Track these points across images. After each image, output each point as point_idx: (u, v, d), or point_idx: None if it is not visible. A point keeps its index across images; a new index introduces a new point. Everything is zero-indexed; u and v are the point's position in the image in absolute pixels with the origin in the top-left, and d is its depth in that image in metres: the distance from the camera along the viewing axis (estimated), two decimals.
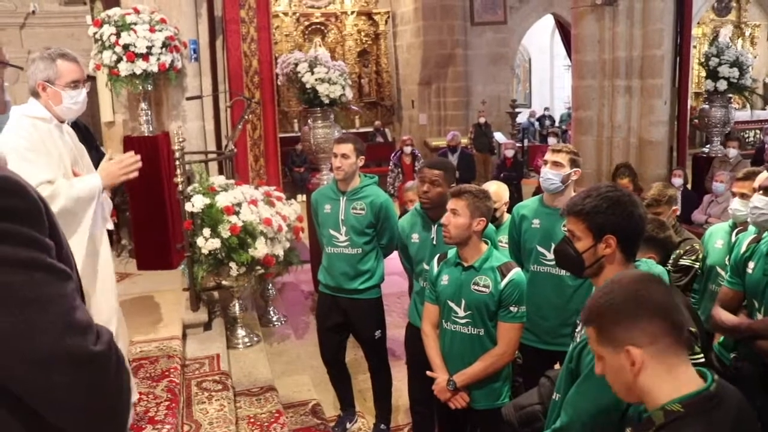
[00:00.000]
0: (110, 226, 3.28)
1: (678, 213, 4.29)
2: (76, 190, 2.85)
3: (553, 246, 3.40)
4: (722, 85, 8.52)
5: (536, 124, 17.66)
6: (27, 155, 2.72)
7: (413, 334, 3.76)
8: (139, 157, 3.06)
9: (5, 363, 1.11)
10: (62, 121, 2.95)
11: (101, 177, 2.96)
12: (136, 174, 3.07)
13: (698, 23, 15.07)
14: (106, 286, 3.04)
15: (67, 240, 1.31)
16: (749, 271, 2.97)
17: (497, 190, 4.20)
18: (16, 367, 1.12)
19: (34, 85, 2.85)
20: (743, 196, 3.71)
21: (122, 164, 3.01)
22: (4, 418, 1.17)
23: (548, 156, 3.55)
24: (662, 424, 1.49)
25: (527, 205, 3.76)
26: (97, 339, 1.19)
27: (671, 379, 1.51)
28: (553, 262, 3.42)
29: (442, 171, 3.56)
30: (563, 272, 3.43)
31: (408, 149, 10.37)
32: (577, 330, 2.22)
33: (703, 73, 9.73)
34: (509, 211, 4.13)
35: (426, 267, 3.64)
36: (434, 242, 3.66)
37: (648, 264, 2.18)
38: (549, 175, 3.50)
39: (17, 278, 1.10)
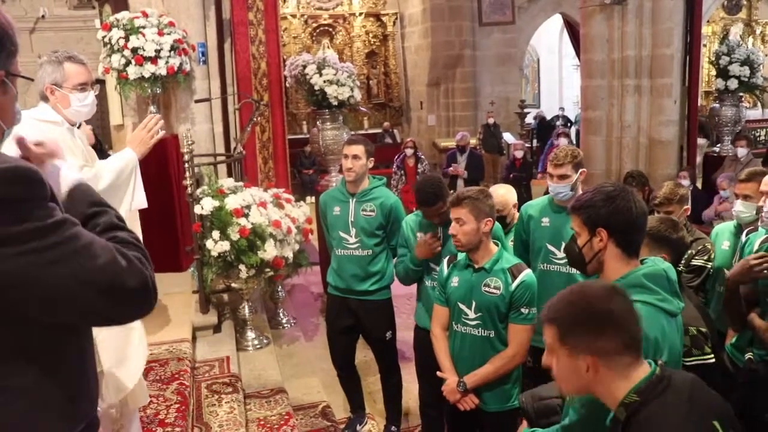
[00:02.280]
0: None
1: (689, 213, 4.25)
2: (115, 165, 2.90)
3: (563, 244, 3.42)
4: (733, 83, 8.46)
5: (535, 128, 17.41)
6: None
7: (422, 337, 3.75)
8: (159, 116, 3.09)
9: (82, 301, 1.29)
10: (73, 125, 2.96)
11: (132, 148, 3.00)
12: (164, 132, 3.12)
13: (708, 21, 14.96)
14: None
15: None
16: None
17: (505, 195, 4.16)
18: (93, 300, 1.30)
19: (42, 89, 2.85)
20: (746, 197, 3.70)
21: (147, 128, 3.04)
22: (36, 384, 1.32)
23: (552, 170, 3.52)
24: (626, 418, 1.62)
25: (536, 204, 3.76)
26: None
27: (624, 380, 1.65)
28: (563, 261, 3.46)
29: (441, 202, 3.51)
30: (573, 271, 3.41)
31: (410, 151, 10.34)
32: None
33: (713, 72, 9.67)
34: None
35: (432, 265, 3.65)
36: (440, 241, 3.67)
37: (654, 261, 2.17)
38: (559, 189, 3.52)
39: (60, 238, 1.26)
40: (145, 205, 3.04)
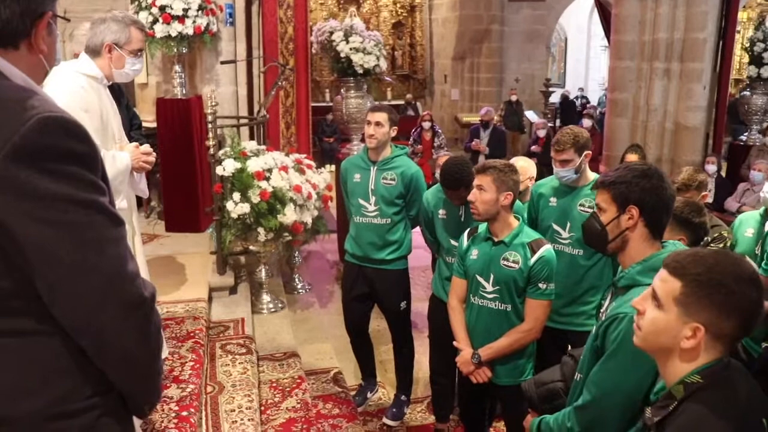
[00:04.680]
0: (145, 194, 3.43)
1: (707, 199, 4.21)
2: (117, 164, 2.94)
3: (568, 224, 3.44)
4: (766, 71, 8.28)
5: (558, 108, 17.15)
6: (82, 115, 2.75)
7: (437, 307, 3.77)
8: (153, 157, 3.14)
9: (62, 298, 1.17)
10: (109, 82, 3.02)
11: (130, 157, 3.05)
12: (146, 167, 3.14)
13: (744, 7, 14.64)
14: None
15: None
16: None
17: (524, 164, 4.20)
18: (70, 303, 1.18)
19: (99, 44, 2.89)
20: None
21: (139, 156, 3.07)
22: (57, 349, 1.23)
23: (555, 155, 3.47)
24: (684, 397, 1.51)
25: (545, 184, 3.74)
26: (144, 288, 1.27)
27: (696, 360, 1.52)
28: (568, 240, 3.48)
29: (463, 187, 3.45)
30: (577, 251, 3.45)
31: (427, 125, 10.24)
32: (602, 309, 2.20)
33: (745, 59, 9.47)
34: None
35: (452, 242, 3.64)
36: (462, 219, 3.65)
37: (676, 245, 2.14)
38: (562, 173, 3.48)
39: (81, 218, 1.16)
40: (124, 206, 3.05)
